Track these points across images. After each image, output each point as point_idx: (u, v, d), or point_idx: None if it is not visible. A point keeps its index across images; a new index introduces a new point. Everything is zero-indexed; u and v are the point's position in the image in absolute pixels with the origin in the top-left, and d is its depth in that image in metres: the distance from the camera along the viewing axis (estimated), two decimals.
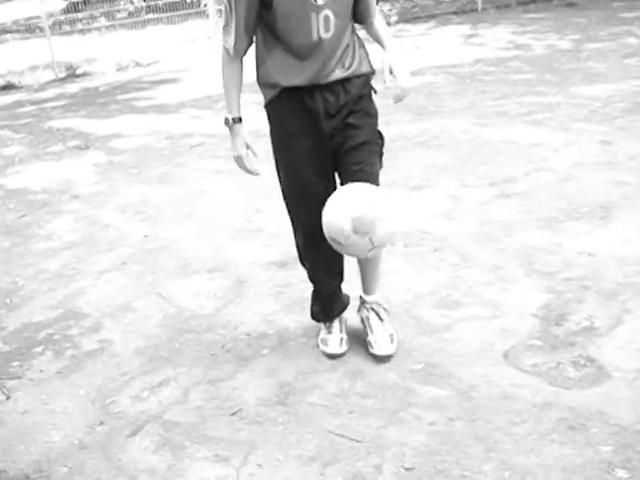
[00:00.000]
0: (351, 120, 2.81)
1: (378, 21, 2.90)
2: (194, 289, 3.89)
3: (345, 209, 2.57)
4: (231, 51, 2.75)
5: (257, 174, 2.95)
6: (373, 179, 2.81)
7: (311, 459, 2.52)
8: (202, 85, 10.02)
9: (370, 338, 3.11)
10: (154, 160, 6.51)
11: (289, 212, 3.01)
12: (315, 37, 2.63)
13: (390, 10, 14.61)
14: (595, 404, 2.62)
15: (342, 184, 2.84)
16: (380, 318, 3.15)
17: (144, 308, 3.75)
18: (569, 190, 4.63)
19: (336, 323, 3.21)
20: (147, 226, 4.90)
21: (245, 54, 2.79)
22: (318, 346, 3.17)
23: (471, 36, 11.67)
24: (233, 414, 2.81)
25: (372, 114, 2.88)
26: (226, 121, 2.87)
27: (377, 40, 2.91)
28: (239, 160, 2.90)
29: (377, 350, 3.05)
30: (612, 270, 3.57)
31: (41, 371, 3.28)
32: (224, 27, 2.75)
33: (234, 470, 2.50)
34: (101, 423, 2.86)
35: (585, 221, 4.15)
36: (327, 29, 2.63)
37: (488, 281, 3.60)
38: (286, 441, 2.62)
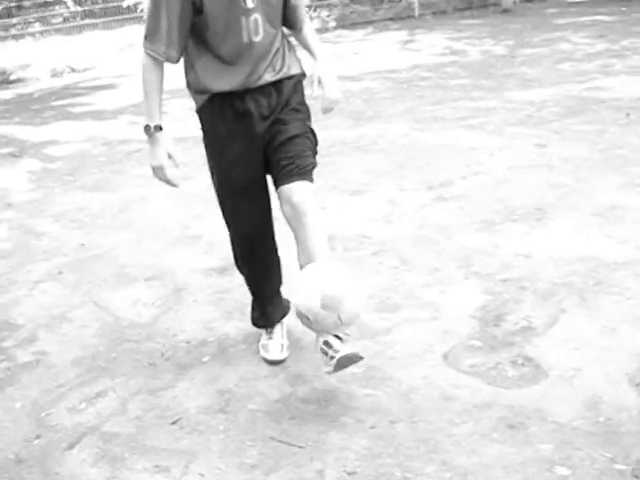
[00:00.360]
0: (280, 116, 2.78)
1: (307, 28, 2.91)
2: (132, 298, 3.83)
3: (315, 286, 2.55)
4: (162, 58, 2.65)
5: (176, 186, 2.83)
6: (306, 175, 2.73)
7: (253, 467, 2.49)
8: (139, 91, 9.90)
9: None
10: (90, 167, 6.41)
11: (225, 218, 2.98)
12: (245, 40, 2.62)
13: (328, 16, 14.68)
14: (534, 403, 2.65)
15: (276, 184, 2.77)
16: None
17: (81, 318, 3.67)
18: (505, 192, 4.70)
19: (277, 329, 3.19)
20: (83, 234, 4.82)
21: (178, 61, 2.72)
22: (259, 352, 3.15)
23: (408, 42, 11.81)
24: (173, 423, 2.77)
25: (302, 110, 2.85)
26: (147, 129, 2.73)
27: (306, 48, 2.92)
28: (159, 170, 2.74)
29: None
30: (548, 270, 3.63)
31: None
32: (149, 34, 2.64)
33: None
34: (38, 436, 2.79)
35: (521, 223, 4.22)
36: (257, 32, 2.63)
37: (427, 283, 3.63)
38: (227, 449, 2.59)
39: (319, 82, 2.74)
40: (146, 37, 2.66)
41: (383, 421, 2.64)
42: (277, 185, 2.76)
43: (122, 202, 5.37)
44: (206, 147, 2.90)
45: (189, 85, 2.79)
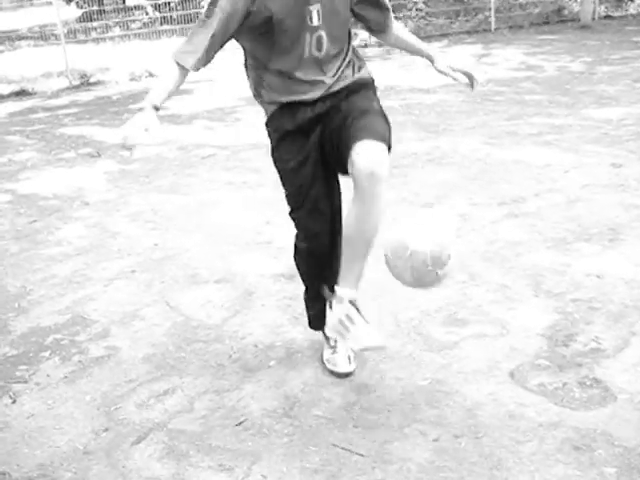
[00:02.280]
0: (341, 104, 2.76)
1: (399, 29, 2.92)
2: (202, 299, 3.90)
3: (427, 241, 2.50)
4: (189, 67, 2.64)
5: (131, 154, 2.79)
6: (383, 139, 2.58)
7: (315, 472, 2.52)
8: (214, 97, 10.09)
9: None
10: (165, 170, 6.55)
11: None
12: (307, 55, 2.66)
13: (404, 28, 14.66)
14: (600, 425, 2.61)
15: (346, 149, 2.57)
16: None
17: (152, 316, 3.76)
18: (578, 211, 4.64)
19: (340, 341, 3.14)
20: (157, 235, 4.92)
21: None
22: (325, 366, 3.14)
23: (483, 56, 11.72)
24: (238, 424, 2.81)
25: (369, 85, 2.86)
26: (147, 103, 2.60)
27: (406, 47, 2.94)
28: (132, 129, 2.56)
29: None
30: (620, 292, 3.57)
31: (47, 376, 3.29)
32: (187, 47, 2.64)
33: None
34: (106, 429, 2.87)
35: (594, 242, 4.16)
36: (319, 49, 2.66)
37: (496, 300, 3.61)
38: (290, 453, 2.62)
39: (453, 70, 2.86)
40: (182, 48, 2.66)
41: (447, 435, 2.64)
42: (349, 147, 2.55)
43: (195, 205, 5.47)
44: (277, 161, 2.94)
45: (260, 97, 2.83)
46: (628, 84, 8.52)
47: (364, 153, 2.49)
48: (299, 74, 2.69)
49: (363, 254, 2.69)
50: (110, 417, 2.94)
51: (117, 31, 16.56)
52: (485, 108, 7.91)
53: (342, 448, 2.62)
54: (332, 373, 3.09)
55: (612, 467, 2.41)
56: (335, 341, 3.13)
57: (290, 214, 2.98)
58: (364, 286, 3.20)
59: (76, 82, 12.29)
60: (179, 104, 9.78)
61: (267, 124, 2.90)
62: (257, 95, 2.85)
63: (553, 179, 5.31)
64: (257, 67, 2.77)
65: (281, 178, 2.95)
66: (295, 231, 3.03)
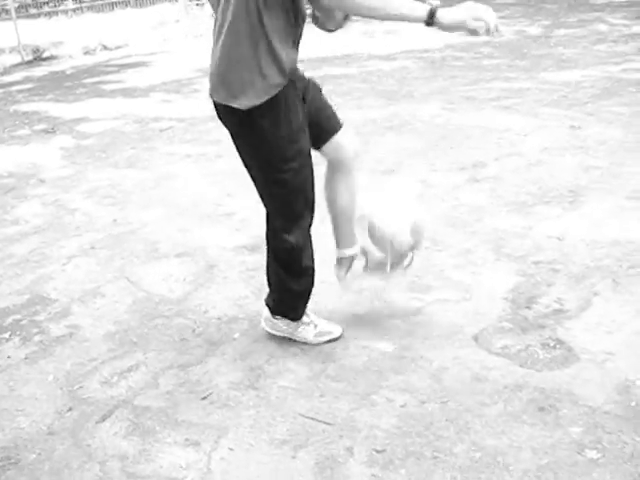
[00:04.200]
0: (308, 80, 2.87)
1: None
2: (163, 274, 3.85)
3: (405, 214, 2.98)
4: None
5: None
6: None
7: (283, 442, 2.51)
8: (171, 69, 9.94)
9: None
10: (122, 144, 6.45)
11: (299, 206, 2.86)
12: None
13: None
14: (564, 385, 2.64)
15: (328, 133, 2.90)
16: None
17: (113, 293, 3.70)
18: (538, 174, 4.66)
19: (311, 314, 3.12)
20: (116, 210, 4.85)
21: None
22: (316, 344, 3.07)
23: None
24: (204, 398, 2.79)
25: None
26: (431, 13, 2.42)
27: None
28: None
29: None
30: (581, 253, 3.60)
31: (8, 357, 3.23)
32: None
33: (205, 454, 2.48)
34: (70, 409, 2.83)
35: (554, 205, 4.18)
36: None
37: (458, 264, 3.61)
38: (257, 425, 2.61)
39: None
40: None
41: (413, 400, 2.64)
42: (331, 132, 2.90)
43: (154, 179, 5.39)
44: (285, 136, 2.68)
45: (283, 63, 2.59)
46: (586, 47, 8.56)
47: (349, 138, 2.95)
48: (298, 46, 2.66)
49: (354, 216, 3.06)
50: (73, 396, 2.90)
51: (70, 4, 16.23)
52: (444, 74, 7.89)
53: (309, 418, 2.61)
54: (333, 341, 3.09)
55: (577, 426, 2.43)
56: (310, 318, 3.11)
57: (294, 191, 2.81)
58: (327, 257, 3.19)
59: (29, 57, 12.05)
60: (135, 77, 9.64)
61: (273, 98, 2.63)
62: (269, 74, 2.58)
63: (513, 143, 5.32)
64: (283, 40, 2.55)
65: (288, 144, 2.69)
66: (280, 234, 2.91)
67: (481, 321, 3.11)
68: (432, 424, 2.51)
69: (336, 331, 3.11)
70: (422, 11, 2.42)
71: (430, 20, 2.43)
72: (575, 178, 4.53)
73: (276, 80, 2.57)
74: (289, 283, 2.99)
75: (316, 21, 2.76)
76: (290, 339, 3.10)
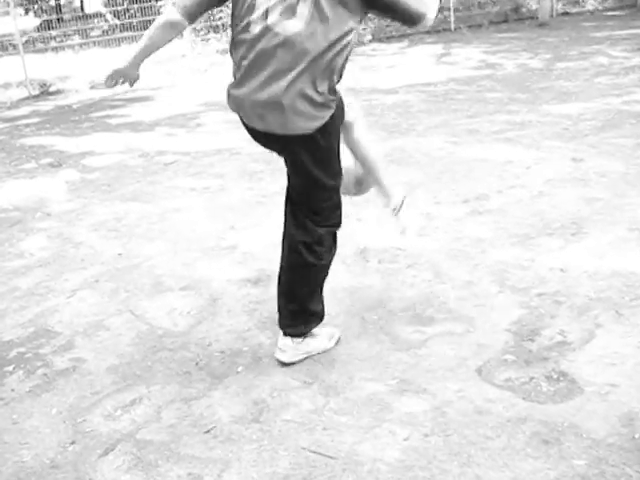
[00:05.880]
0: None
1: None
2: (167, 307, 3.86)
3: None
4: (177, 8, 2.84)
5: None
6: None
7: (286, 477, 2.50)
8: (176, 103, 10.03)
9: None
10: (127, 178, 6.49)
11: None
12: None
13: (364, 29, 14.71)
14: (568, 418, 2.63)
15: None
16: None
17: (117, 326, 3.71)
18: (541, 206, 4.68)
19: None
20: (120, 244, 4.87)
21: (192, 21, 2.90)
22: (325, 349, 3.22)
23: (444, 55, 11.80)
24: (207, 432, 2.79)
25: None
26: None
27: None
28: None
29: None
30: (584, 285, 3.60)
31: (12, 390, 3.24)
32: None
33: None
34: (73, 442, 2.82)
35: (557, 237, 4.19)
36: None
37: (462, 297, 3.62)
38: (260, 459, 2.60)
39: None
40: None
41: (416, 434, 2.64)
42: None
43: (158, 213, 5.42)
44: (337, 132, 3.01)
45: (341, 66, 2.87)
46: (587, 79, 8.63)
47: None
48: None
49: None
50: (77, 430, 2.90)
51: (76, 39, 16.43)
52: (447, 107, 7.95)
53: (312, 451, 2.61)
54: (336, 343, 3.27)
55: (581, 460, 2.42)
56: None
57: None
58: (332, 288, 3.21)
59: (36, 92, 12.16)
60: (141, 111, 9.72)
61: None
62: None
63: (515, 175, 5.35)
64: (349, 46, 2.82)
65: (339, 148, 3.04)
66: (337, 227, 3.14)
67: (484, 353, 3.10)
68: (435, 457, 2.51)
69: (336, 329, 3.29)
70: None
71: None
72: (577, 210, 4.54)
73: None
74: (321, 282, 3.15)
75: None
76: (294, 372, 3.10)
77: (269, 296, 3.77)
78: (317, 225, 3.01)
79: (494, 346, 3.15)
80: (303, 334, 3.16)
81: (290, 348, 3.15)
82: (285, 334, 3.15)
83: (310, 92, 2.75)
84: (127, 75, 3.07)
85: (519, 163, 5.62)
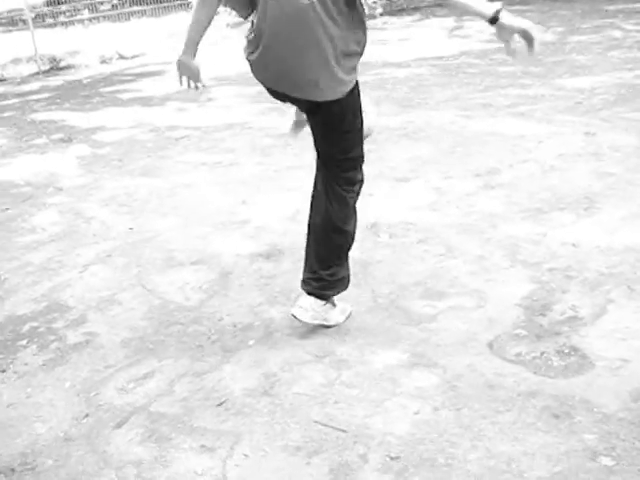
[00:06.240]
0: None
1: None
2: (179, 281, 3.88)
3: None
4: None
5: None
6: None
7: (297, 449, 2.52)
8: None
9: None
10: (138, 153, 6.49)
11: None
12: None
13: (374, 2, 14.58)
14: (579, 393, 2.64)
15: None
16: None
17: (129, 300, 3.73)
18: (553, 181, 4.66)
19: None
20: (131, 219, 4.88)
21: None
22: (339, 321, 3.25)
23: (456, 28, 11.69)
24: (219, 405, 2.81)
25: None
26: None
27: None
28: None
29: None
30: (596, 260, 3.59)
31: (26, 364, 3.27)
32: None
33: (220, 461, 2.50)
34: (86, 415, 2.85)
35: (569, 212, 4.17)
36: None
37: (473, 271, 3.62)
38: (272, 431, 2.62)
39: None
40: None
41: (427, 407, 2.65)
42: None
43: (169, 187, 5.43)
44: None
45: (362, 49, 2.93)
46: (600, 53, 8.54)
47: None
48: None
49: None
50: (90, 403, 2.93)
51: (86, 14, 16.33)
52: (459, 81, 7.90)
53: (323, 424, 2.62)
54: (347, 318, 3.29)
55: (591, 434, 2.43)
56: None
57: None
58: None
59: (46, 67, 12.13)
60: (151, 86, 9.70)
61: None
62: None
63: (527, 149, 5.32)
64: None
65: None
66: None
67: (495, 328, 3.11)
68: (446, 431, 2.52)
69: (348, 305, 3.33)
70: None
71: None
72: (589, 185, 4.52)
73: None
74: (347, 249, 3.18)
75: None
76: (305, 345, 3.11)
77: (280, 271, 3.78)
78: (348, 184, 3.08)
79: (505, 321, 3.15)
80: (328, 297, 3.19)
81: (312, 309, 3.17)
82: (309, 294, 3.17)
83: (341, 59, 2.82)
84: (189, 68, 3.34)
85: (531, 137, 5.58)
